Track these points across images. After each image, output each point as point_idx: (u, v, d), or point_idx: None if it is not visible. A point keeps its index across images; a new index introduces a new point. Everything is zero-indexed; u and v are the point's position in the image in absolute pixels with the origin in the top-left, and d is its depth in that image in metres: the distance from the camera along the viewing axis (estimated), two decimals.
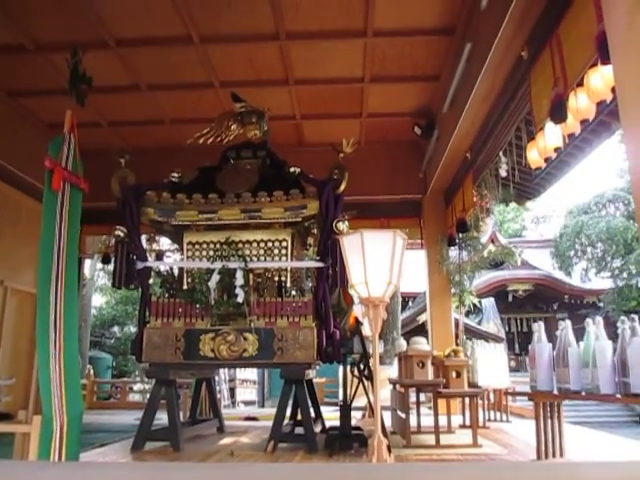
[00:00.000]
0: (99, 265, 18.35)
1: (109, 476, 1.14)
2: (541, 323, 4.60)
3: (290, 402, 5.42)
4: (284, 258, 5.30)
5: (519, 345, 19.61)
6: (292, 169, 5.43)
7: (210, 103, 7.85)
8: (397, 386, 6.08)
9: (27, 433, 3.83)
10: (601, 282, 20.00)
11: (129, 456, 4.82)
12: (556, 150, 5.37)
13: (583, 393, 3.93)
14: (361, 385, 5.11)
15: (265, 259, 5.30)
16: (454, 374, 5.26)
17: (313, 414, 5.56)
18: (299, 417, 5.53)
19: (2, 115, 8.10)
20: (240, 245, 5.31)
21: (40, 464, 1.49)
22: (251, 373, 13.12)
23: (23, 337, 8.43)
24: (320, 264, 5.18)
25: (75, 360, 4.39)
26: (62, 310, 4.24)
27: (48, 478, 1.15)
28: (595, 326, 3.96)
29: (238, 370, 12.12)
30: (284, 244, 5.32)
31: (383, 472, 1.12)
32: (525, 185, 9.07)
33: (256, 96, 6.62)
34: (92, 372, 12.29)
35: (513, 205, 20.79)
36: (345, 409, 4.95)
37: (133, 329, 19.33)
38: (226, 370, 11.56)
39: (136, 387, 13.40)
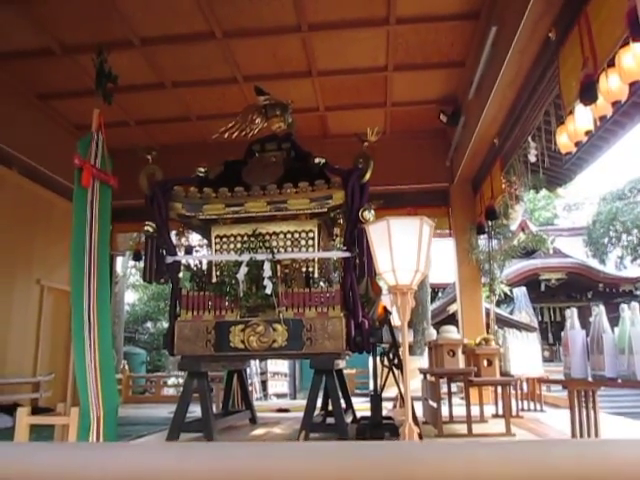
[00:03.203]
0: (131, 262, 18.71)
1: (142, 456, 1.16)
2: (574, 309, 4.50)
3: (321, 393, 5.44)
4: (311, 249, 5.30)
5: (552, 335, 19.23)
6: (317, 160, 5.43)
7: (234, 98, 7.92)
8: (428, 375, 6.04)
9: (66, 425, 3.94)
10: (637, 270, 19.45)
11: None
12: (587, 134, 5.23)
13: (619, 380, 3.84)
14: (391, 375, 5.09)
15: (292, 250, 5.31)
16: (485, 362, 5.20)
17: (344, 404, 5.56)
18: (330, 408, 5.54)
19: (32, 117, 8.32)
20: (267, 237, 5.34)
21: (77, 445, 1.53)
22: (282, 366, 13.21)
23: (60, 334, 8.67)
24: (347, 254, 5.17)
25: (109, 355, 4.49)
26: (95, 306, 4.35)
27: (84, 458, 1.18)
28: (630, 311, 3.86)
29: (269, 363, 12.22)
30: (310, 235, 5.32)
31: (410, 450, 1.11)
32: (555, 171, 8.87)
33: (280, 89, 6.64)
34: (127, 367, 12.53)
35: (544, 193, 20.39)
36: (375, 399, 4.94)
37: (166, 324, 19.65)
38: (257, 363, 11.67)
39: (170, 381, 13.63)
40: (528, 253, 16.31)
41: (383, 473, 1.02)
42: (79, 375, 4.12)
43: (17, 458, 1.21)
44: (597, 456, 1.08)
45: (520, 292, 17.13)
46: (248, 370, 9.22)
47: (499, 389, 6.24)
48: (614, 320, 3.96)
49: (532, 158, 7.00)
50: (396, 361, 4.95)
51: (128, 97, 7.84)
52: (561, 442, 1.05)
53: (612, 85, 4.38)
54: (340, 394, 5.37)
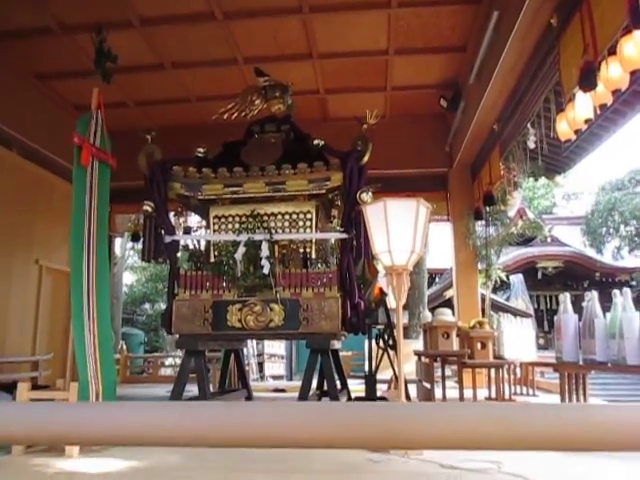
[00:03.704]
0: (129, 244, 18.73)
1: (144, 413, 1.20)
2: (567, 294, 4.57)
3: (317, 374, 5.51)
4: (308, 230, 5.35)
5: (548, 323, 19.36)
6: (316, 141, 5.45)
7: (234, 79, 7.88)
8: (422, 357, 6.12)
9: (65, 399, 4.01)
10: (634, 260, 19.52)
11: None
12: (587, 122, 5.25)
13: (609, 364, 3.91)
14: (386, 356, 5.16)
15: (290, 231, 5.35)
16: (479, 345, 5.27)
17: (339, 384, 5.64)
18: (325, 387, 5.62)
19: (31, 98, 8.27)
20: (265, 217, 5.38)
21: (79, 405, 1.58)
22: (279, 348, 13.30)
23: (59, 314, 8.72)
24: (344, 235, 5.21)
25: (108, 332, 4.55)
26: (94, 282, 4.39)
27: (86, 416, 1.22)
28: (622, 297, 3.92)
29: (266, 345, 12.31)
30: (308, 216, 5.36)
31: (398, 409, 1.16)
32: (554, 158, 8.89)
33: (280, 71, 6.62)
34: (125, 348, 12.61)
35: (543, 181, 20.37)
36: (370, 379, 5.02)
37: (164, 306, 19.70)
38: (254, 345, 11.75)
39: (167, 362, 13.74)
40: (526, 241, 16.38)
41: (373, 430, 1.07)
42: (78, 352, 4.17)
43: (20, 416, 1.25)
44: (578, 418, 1.12)
45: (517, 279, 17.22)
46: (245, 351, 9.30)
47: (492, 374, 6.32)
48: (609, 309, 4.01)
49: (531, 145, 7.01)
50: (391, 342, 5.01)
51: (127, 78, 7.80)
52: (543, 405, 1.10)
53: (613, 73, 4.40)
54: (335, 374, 5.44)
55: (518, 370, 7.38)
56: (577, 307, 4.43)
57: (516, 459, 3.27)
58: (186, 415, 1.16)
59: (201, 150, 5.67)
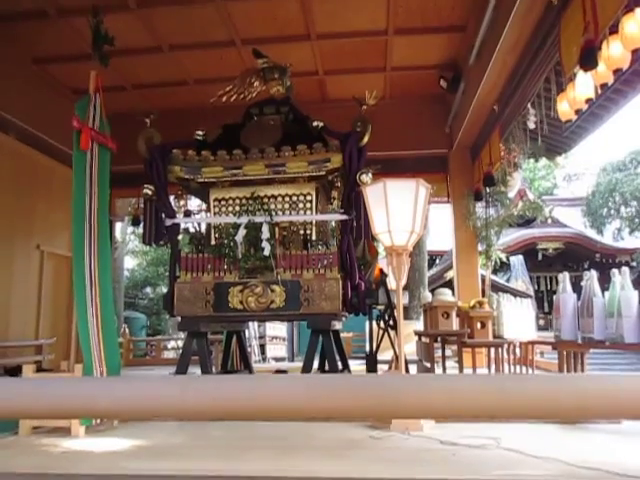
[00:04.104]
0: (130, 228, 18.76)
1: (147, 387, 1.23)
2: (566, 273, 4.59)
3: (318, 356, 5.56)
4: (309, 212, 5.36)
5: (548, 304, 19.43)
6: (315, 123, 5.44)
7: (233, 61, 7.82)
8: (422, 337, 6.17)
9: None
10: (635, 241, 19.53)
11: None
12: (587, 101, 5.23)
13: (607, 343, 3.95)
14: (387, 337, 5.20)
15: (290, 213, 5.37)
16: (479, 325, 5.32)
17: (340, 364, 5.70)
18: (327, 368, 5.68)
19: (29, 82, 8.20)
20: (265, 200, 5.40)
21: (86, 379, 1.61)
22: (280, 330, 13.39)
23: (61, 299, 8.77)
24: (344, 217, 5.23)
25: (110, 314, 4.59)
26: (96, 265, 4.42)
27: (93, 389, 1.24)
28: (621, 276, 3.94)
29: (268, 327, 12.40)
30: (308, 198, 5.37)
31: (392, 381, 1.19)
32: (555, 139, 8.86)
33: (278, 52, 6.56)
34: (127, 331, 12.71)
35: (544, 162, 20.31)
36: (370, 358, 5.07)
37: (165, 289, 19.79)
38: (256, 327, 11.84)
39: (170, 345, 13.85)
40: (526, 222, 16.37)
41: (371, 401, 1.10)
42: (82, 335, 4.21)
43: (30, 390, 1.28)
44: (571, 388, 1.15)
45: (517, 260, 17.25)
46: (247, 333, 9.37)
47: (492, 354, 6.38)
48: (609, 290, 4.03)
49: (531, 125, 6.98)
50: (391, 322, 5.06)
51: (124, 61, 7.73)
52: (537, 376, 1.13)
53: (614, 52, 4.37)
54: (336, 354, 5.49)
55: (517, 350, 7.44)
56: (577, 288, 4.45)
57: (514, 435, 3.32)
58: (190, 388, 1.19)
59: (200, 133, 5.66)
